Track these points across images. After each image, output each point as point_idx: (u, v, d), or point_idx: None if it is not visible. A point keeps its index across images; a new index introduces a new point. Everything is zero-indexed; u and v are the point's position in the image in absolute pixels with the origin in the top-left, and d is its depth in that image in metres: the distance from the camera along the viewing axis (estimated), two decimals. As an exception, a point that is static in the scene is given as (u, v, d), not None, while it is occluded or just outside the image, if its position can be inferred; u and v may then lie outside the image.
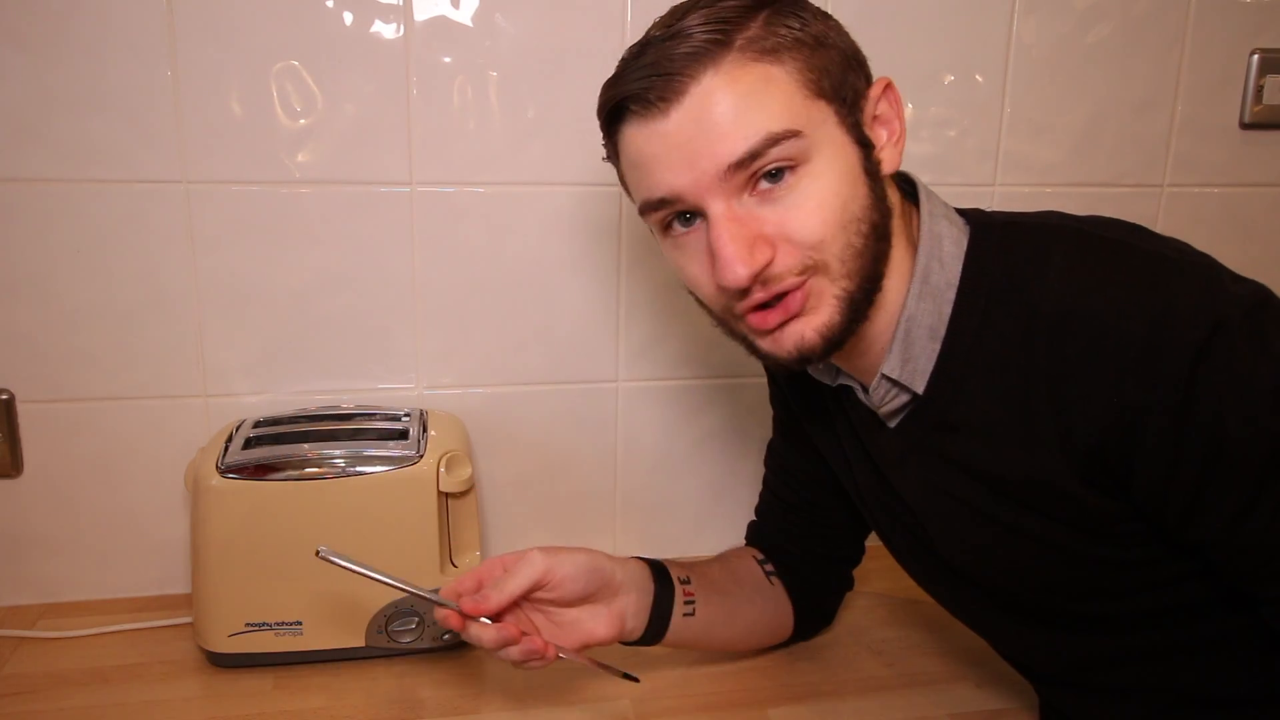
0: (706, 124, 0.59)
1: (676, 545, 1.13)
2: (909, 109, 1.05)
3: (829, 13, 0.64)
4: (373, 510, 0.85)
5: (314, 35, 0.93)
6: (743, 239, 0.60)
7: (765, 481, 0.94)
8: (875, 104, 0.65)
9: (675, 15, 0.62)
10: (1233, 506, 0.57)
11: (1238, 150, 1.14)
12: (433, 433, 0.92)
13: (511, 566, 0.73)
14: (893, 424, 0.70)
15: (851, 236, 0.61)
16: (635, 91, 0.61)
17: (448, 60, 0.96)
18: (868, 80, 0.65)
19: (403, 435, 0.90)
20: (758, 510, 0.95)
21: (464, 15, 0.95)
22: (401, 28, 0.94)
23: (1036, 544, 0.66)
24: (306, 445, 0.87)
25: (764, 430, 1.12)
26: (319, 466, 0.85)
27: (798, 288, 0.62)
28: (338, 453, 0.86)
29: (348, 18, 0.93)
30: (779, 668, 0.90)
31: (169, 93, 0.91)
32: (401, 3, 0.94)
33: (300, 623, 0.86)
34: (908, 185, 0.69)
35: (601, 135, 0.67)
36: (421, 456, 0.87)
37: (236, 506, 0.84)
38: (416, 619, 0.88)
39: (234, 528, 0.84)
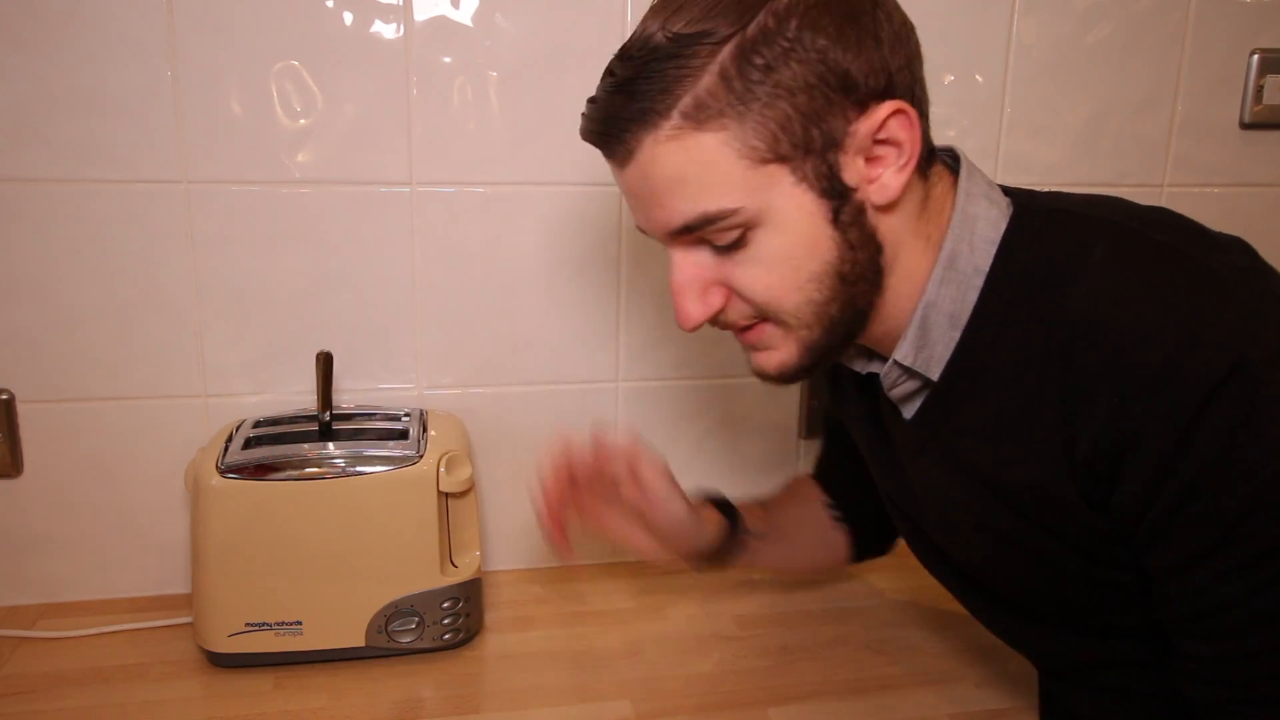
0: (650, 188, 0.60)
1: (676, 545, 1.13)
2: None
3: (818, 27, 0.56)
4: (373, 510, 0.85)
5: (314, 35, 0.93)
6: (695, 286, 0.63)
7: (823, 432, 0.98)
8: (871, 135, 0.58)
9: (642, 30, 0.59)
10: (1189, 550, 0.54)
11: (1238, 150, 1.14)
12: (433, 433, 0.92)
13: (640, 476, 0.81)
14: (909, 414, 0.69)
15: (810, 294, 0.61)
16: (593, 141, 0.63)
17: (448, 60, 0.96)
18: (862, 105, 0.57)
19: (403, 435, 0.90)
20: (818, 458, 0.98)
21: (464, 15, 0.95)
22: (401, 28, 0.94)
23: (1035, 560, 0.65)
24: (306, 445, 0.87)
25: (763, 430, 1.12)
26: (319, 466, 0.85)
27: (750, 328, 0.65)
28: (338, 453, 0.87)
29: (348, 18, 0.93)
30: (779, 668, 0.90)
31: (169, 93, 0.91)
32: (401, 3, 0.94)
33: (300, 623, 0.86)
34: (951, 158, 0.66)
35: None
36: (421, 456, 0.87)
37: (236, 506, 0.84)
38: (417, 619, 0.88)
39: (234, 528, 0.84)
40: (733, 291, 0.63)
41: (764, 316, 0.63)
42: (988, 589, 0.74)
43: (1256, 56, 1.11)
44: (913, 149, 0.59)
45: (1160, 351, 0.52)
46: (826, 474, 0.96)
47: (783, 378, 0.65)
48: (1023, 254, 0.60)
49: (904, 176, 0.60)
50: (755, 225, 0.59)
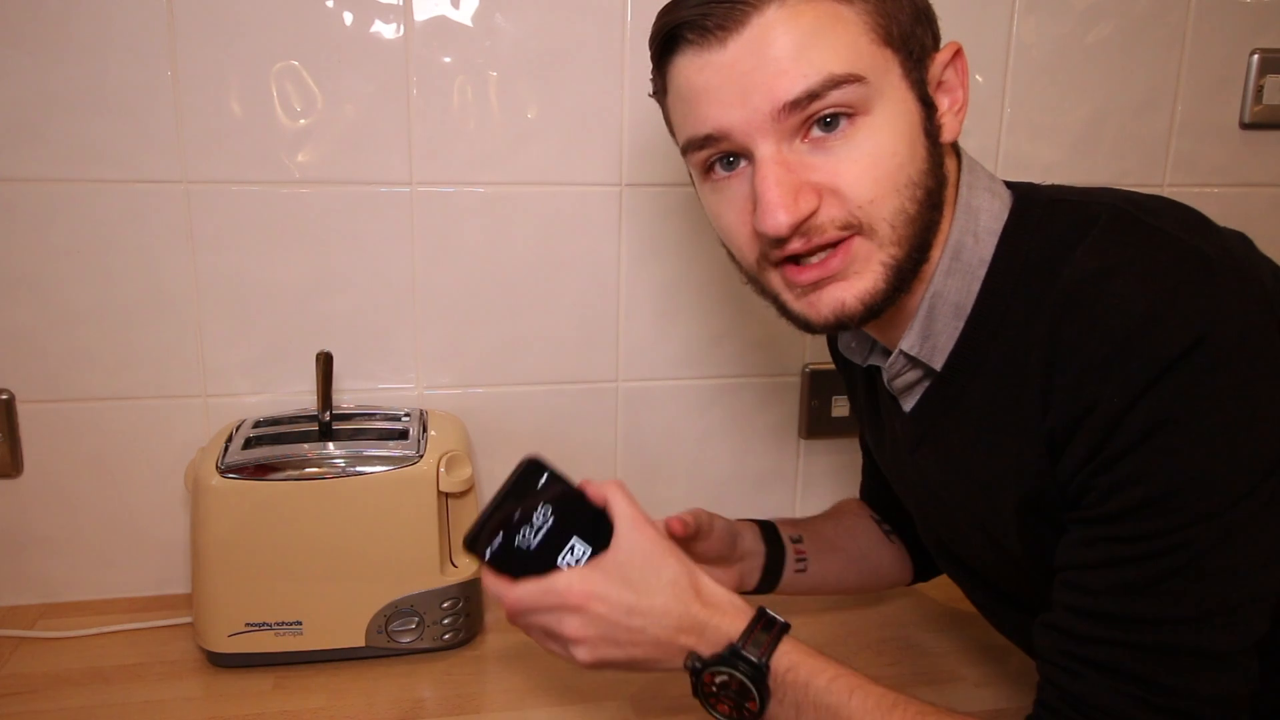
0: (765, 58, 0.57)
1: (676, 545, 1.13)
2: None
3: None
4: (373, 510, 0.85)
5: (314, 35, 0.93)
6: (788, 185, 0.58)
7: (863, 453, 0.95)
8: (942, 68, 0.62)
9: None
10: (1097, 511, 0.55)
11: (1238, 150, 1.14)
12: (433, 433, 0.92)
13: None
14: (908, 407, 0.69)
15: (905, 201, 0.59)
16: (692, 18, 0.59)
17: (448, 60, 0.96)
18: (936, 41, 0.63)
19: (403, 435, 0.90)
20: (862, 480, 0.97)
21: (464, 15, 0.95)
22: (401, 28, 0.94)
23: (1027, 553, 0.65)
24: (306, 445, 0.87)
25: (764, 429, 1.12)
26: (319, 466, 0.85)
27: (838, 244, 0.60)
28: (338, 453, 0.87)
29: (348, 18, 0.93)
30: (779, 668, 0.90)
31: (169, 93, 0.91)
32: (401, 3, 0.94)
33: (300, 623, 0.86)
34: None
35: (651, 67, 0.65)
36: (421, 456, 0.87)
37: (236, 506, 0.84)
38: (417, 619, 0.88)
39: (234, 528, 0.84)
40: (827, 194, 0.59)
41: (857, 225, 0.59)
42: (988, 581, 0.74)
43: (1256, 56, 1.11)
44: (964, 98, 0.63)
45: (1130, 321, 0.52)
46: (871, 494, 0.95)
47: (867, 308, 0.61)
48: (1023, 243, 0.61)
49: (959, 121, 0.63)
50: (866, 110, 0.58)
